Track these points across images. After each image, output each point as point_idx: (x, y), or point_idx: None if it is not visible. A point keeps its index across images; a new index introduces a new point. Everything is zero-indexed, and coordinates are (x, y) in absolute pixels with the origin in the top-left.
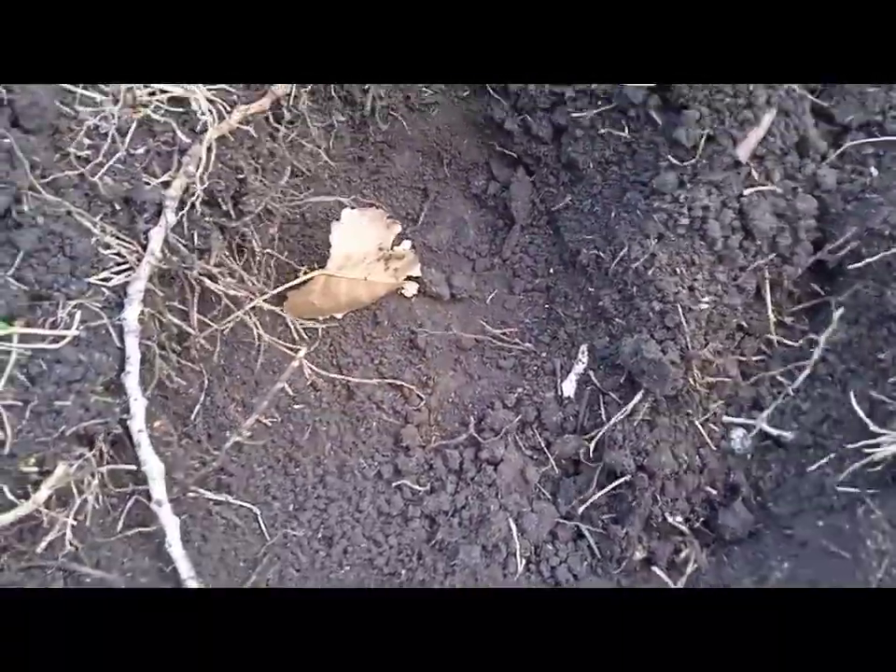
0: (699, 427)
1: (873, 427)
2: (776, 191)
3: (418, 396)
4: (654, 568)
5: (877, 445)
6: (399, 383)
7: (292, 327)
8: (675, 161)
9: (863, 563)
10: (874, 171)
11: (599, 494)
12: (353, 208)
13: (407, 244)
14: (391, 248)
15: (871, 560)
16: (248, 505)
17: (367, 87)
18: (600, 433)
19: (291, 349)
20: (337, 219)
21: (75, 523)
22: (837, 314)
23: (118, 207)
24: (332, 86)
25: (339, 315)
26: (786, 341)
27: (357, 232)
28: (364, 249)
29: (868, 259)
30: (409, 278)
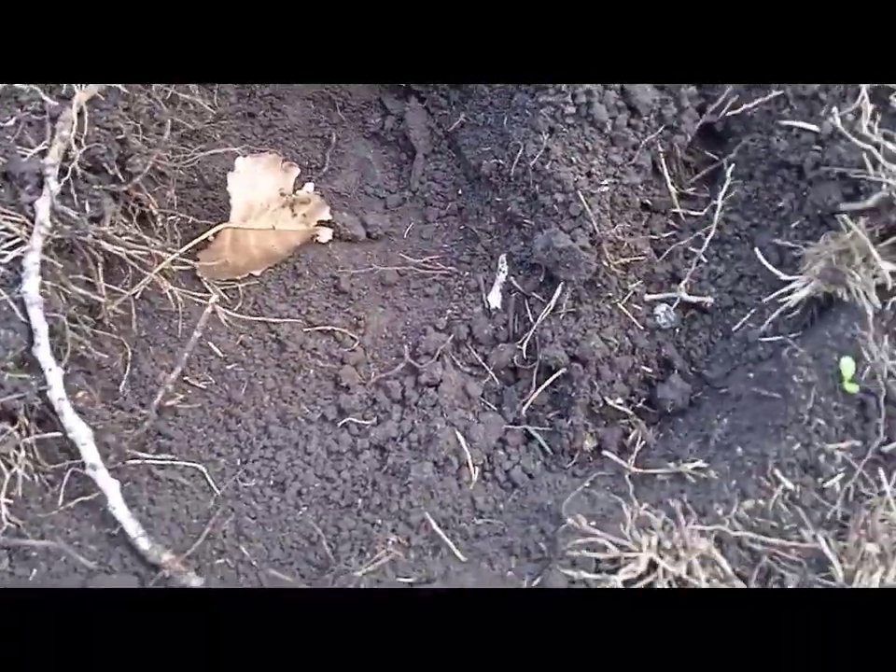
0: (622, 308)
1: (783, 276)
2: None
3: (351, 337)
4: (606, 453)
5: (791, 292)
6: (329, 328)
7: (210, 288)
8: None
9: (792, 398)
10: None
11: (538, 392)
12: (245, 157)
13: (310, 186)
14: (293, 192)
15: (799, 394)
16: (193, 464)
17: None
18: (529, 334)
19: (204, 299)
20: (232, 171)
21: (9, 501)
22: (729, 171)
23: None
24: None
25: (257, 272)
26: (691, 211)
27: (255, 180)
28: (265, 196)
29: (748, 108)
30: (320, 223)
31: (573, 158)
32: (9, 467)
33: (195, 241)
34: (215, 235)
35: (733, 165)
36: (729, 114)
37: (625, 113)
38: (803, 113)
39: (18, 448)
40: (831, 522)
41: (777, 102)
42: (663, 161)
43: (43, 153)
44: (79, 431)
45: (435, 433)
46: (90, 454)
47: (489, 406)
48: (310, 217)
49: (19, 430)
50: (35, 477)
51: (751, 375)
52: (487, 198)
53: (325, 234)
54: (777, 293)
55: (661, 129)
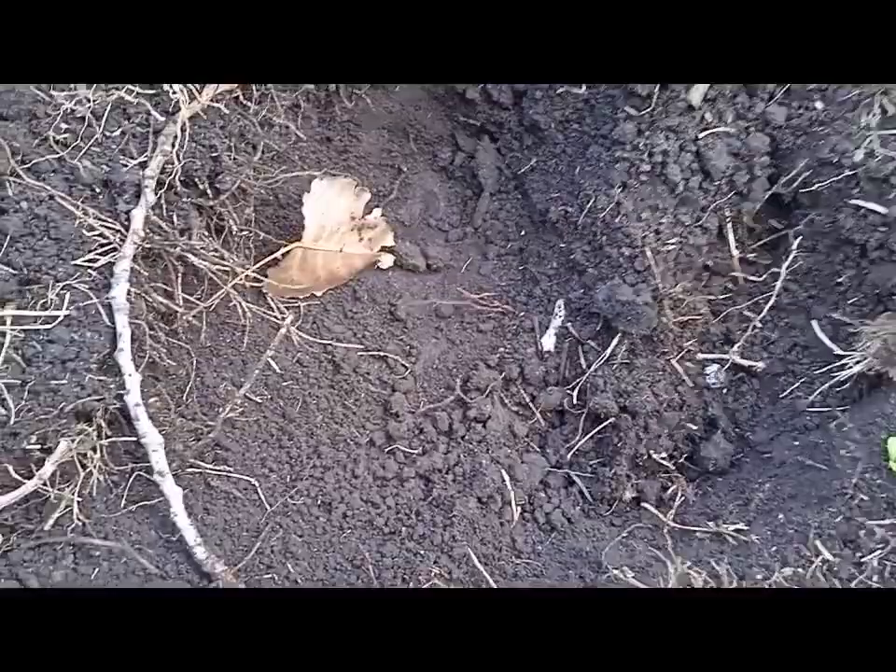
0: (675, 365)
1: (837, 350)
2: (729, 132)
3: (403, 365)
4: (645, 505)
5: (843, 367)
6: (383, 354)
7: (274, 305)
8: (632, 112)
9: (838, 471)
10: (818, 104)
11: (585, 439)
12: (321, 179)
13: (377, 212)
14: (362, 217)
15: (845, 467)
16: (247, 478)
17: None
18: (582, 381)
19: (277, 319)
20: (308, 192)
21: (80, 499)
22: (795, 243)
23: (98, 190)
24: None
25: (318, 293)
26: (750, 276)
27: (329, 202)
28: (336, 219)
29: (819, 185)
30: (383, 249)
31: (643, 214)
32: (84, 466)
33: (269, 258)
34: (285, 254)
35: (798, 237)
36: (800, 188)
37: (698, 176)
38: (872, 194)
39: (94, 449)
40: None
41: (848, 181)
42: (729, 225)
43: (143, 165)
44: (152, 438)
45: (481, 469)
46: (159, 460)
47: (533, 447)
48: (374, 243)
49: (95, 431)
50: (103, 478)
51: (797, 443)
52: (550, 242)
53: (386, 261)
54: (829, 366)
55: (731, 194)
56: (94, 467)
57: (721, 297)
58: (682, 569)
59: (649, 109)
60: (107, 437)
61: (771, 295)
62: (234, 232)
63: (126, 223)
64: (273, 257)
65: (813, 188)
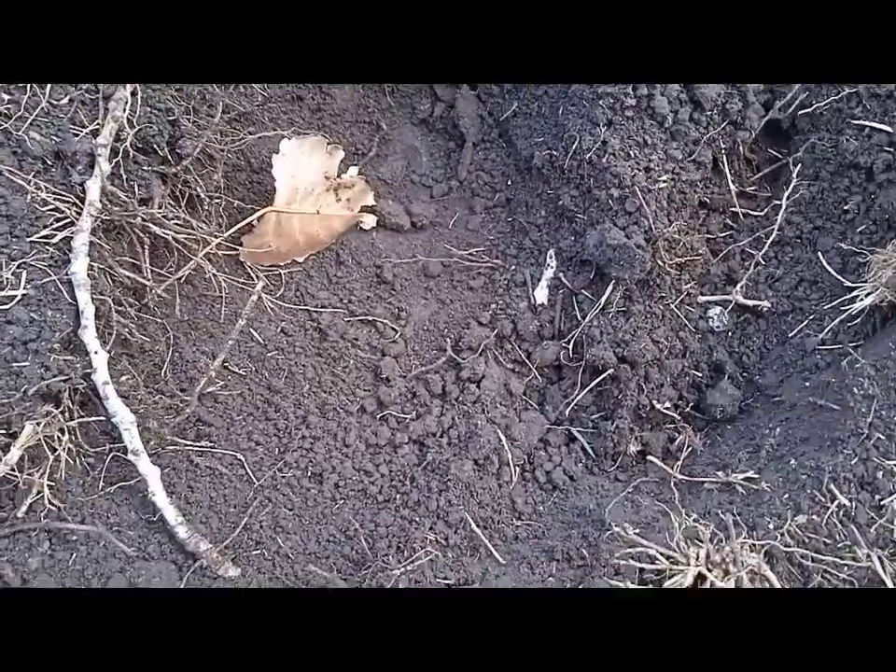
0: (675, 309)
1: (847, 283)
2: None
3: (392, 328)
4: (651, 458)
5: (853, 300)
6: (370, 318)
7: (253, 274)
8: None
9: (852, 410)
10: None
11: (584, 393)
12: (290, 139)
13: (354, 170)
14: (338, 176)
15: (860, 406)
16: (232, 452)
17: None
18: (577, 332)
19: (247, 285)
20: (277, 153)
21: (52, 483)
22: (796, 171)
23: (49, 162)
24: None
25: (300, 259)
26: (750, 211)
27: (300, 163)
28: (309, 180)
29: (818, 107)
30: (364, 209)
31: (631, 152)
32: (53, 449)
33: (240, 224)
34: (259, 219)
35: (799, 165)
36: (797, 111)
37: (688, 106)
38: (876, 112)
39: (62, 431)
40: (886, 541)
41: (849, 100)
42: (724, 157)
43: (95, 133)
44: (123, 416)
45: (476, 430)
46: (133, 439)
47: (531, 405)
48: (354, 203)
49: (63, 413)
50: (77, 460)
51: (807, 384)
52: (538, 190)
53: (369, 221)
54: (838, 300)
55: (724, 124)
56: (63, 449)
57: (721, 235)
58: (688, 523)
59: None
60: (78, 417)
61: (773, 229)
62: (203, 200)
63: (81, 195)
64: (244, 223)
65: (811, 110)
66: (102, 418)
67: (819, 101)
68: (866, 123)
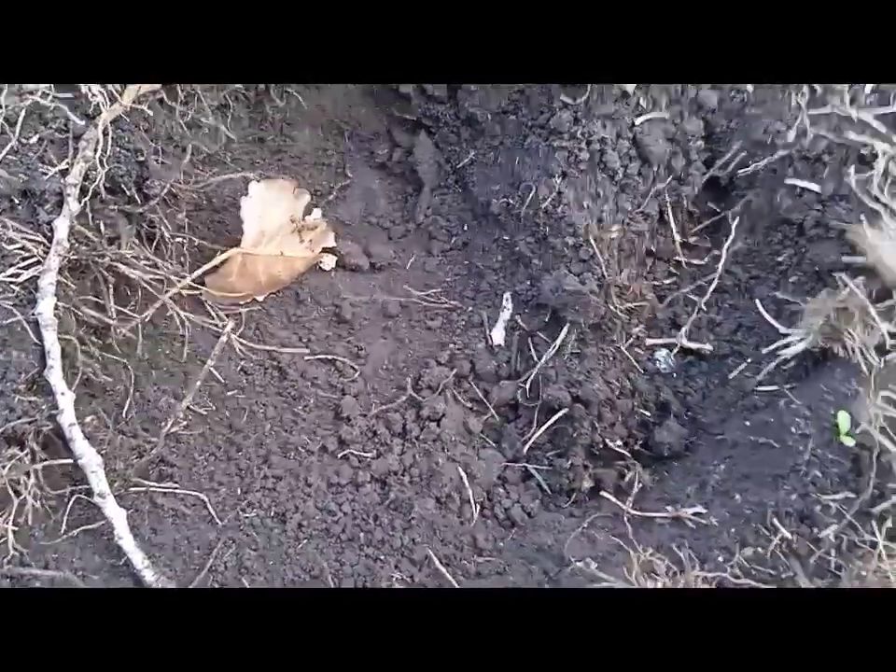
0: (625, 351)
1: (782, 329)
2: (664, 117)
3: (352, 367)
4: (603, 493)
5: (787, 345)
6: (330, 357)
7: (214, 313)
8: (567, 101)
9: (790, 448)
10: (749, 87)
11: (540, 431)
12: (259, 181)
13: (318, 212)
14: (303, 219)
15: (797, 445)
16: (195, 493)
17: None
18: (533, 373)
19: (218, 328)
20: (246, 195)
21: (16, 529)
22: (734, 224)
23: (16, 200)
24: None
25: (260, 298)
26: (693, 260)
27: (267, 205)
28: (276, 222)
29: (755, 167)
30: (325, 251)
31: (584, 202)
32: (17, 493)
33: (209, 265)
34: (224, 261)
35: (737, 219)
36: (736, 170)
37: (637, 162)
38: (805, 174)
39: (27, 474)
40: (824, 572)
41: (783, 161)
42: (670, 209)
43: (64, 172)
44: (90, 458)
45: (438, 469)
46: (100, 482)
47: (489, 443)
48: (315, 244)
49: (27, 455)
50: (39, 503)
51: (748, 423)
52: (494, 235)
53: (328, 262)
54: (775, 345)
55: (669, 179)
56: (29, 493)
57: (666, 282)
58: (645, 557)
59: (584, 98)
60: (42, 460)
61: (714, 278)
62: (167, 239)
63: (49, 234)
64: (211, 264)
65: (749, 169)
66: (68, 462)
67: (757, 160)
68: (798, 183)
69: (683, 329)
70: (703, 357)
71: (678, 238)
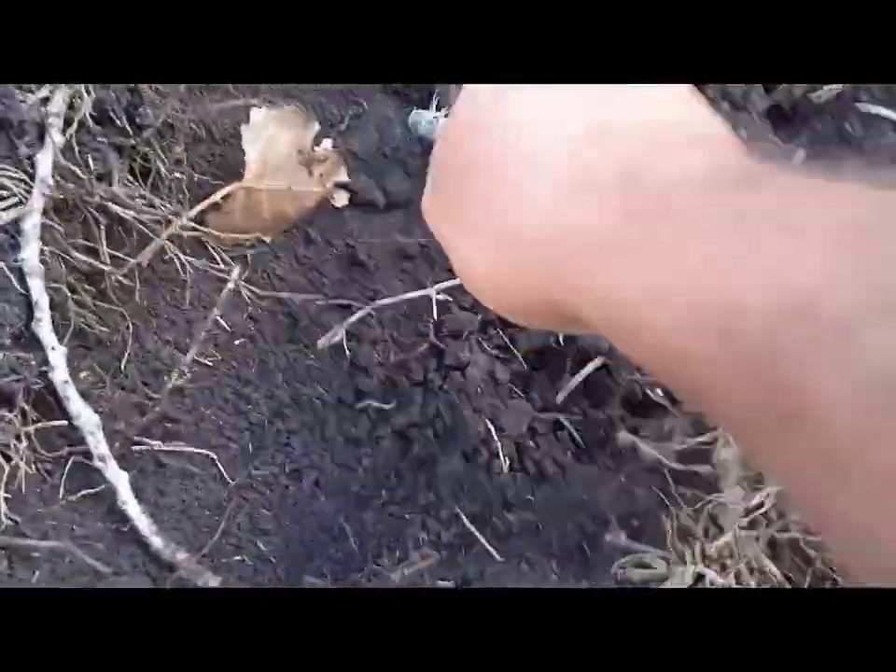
0: None
1: None
2: None
3: (368, 313)
4: (642, 446)
5: None
6: (344, 302)
7: (217, 255)
8: None
9: None
10: None
11: (574, 381)
12: (261, 108)
13: (327, 142)
14: (311, 150)
15: None
16: (203, 451)
17: None
18: None
19: (223, 272)
20: (247, 124)
21: (8, 496)
22: (800, 157)
23: None
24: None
25: (267, 238)
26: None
27: (271, 135)
28: (282, 154)
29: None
30: (337, 185)
31: None
32: (8, 458)
33: (207, 202)
34: (226, 196)
35: (803, 151)
36: (802, 96)
37: None
38: (881, 99)
39: (18, 437)
40: None
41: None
42: None
43: (45, 100)
44: (87, 418)
45: (463, 421)
46: (98, 444)
47: (517, 392)
48: (326, 178)
49: (17, 416)
50: (33, 467)
51: None
52: None
53: (341, 198)
54: None
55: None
56: (21, 458)
57: None
58: (681, 518)
59: None
60: (34, 422)
61: None
62: (163, 175)
63: (31, 170)
64: (211, 200)
65: (817, 94)
66: (63, 423)
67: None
68: (872, 109)
69: None
70: None
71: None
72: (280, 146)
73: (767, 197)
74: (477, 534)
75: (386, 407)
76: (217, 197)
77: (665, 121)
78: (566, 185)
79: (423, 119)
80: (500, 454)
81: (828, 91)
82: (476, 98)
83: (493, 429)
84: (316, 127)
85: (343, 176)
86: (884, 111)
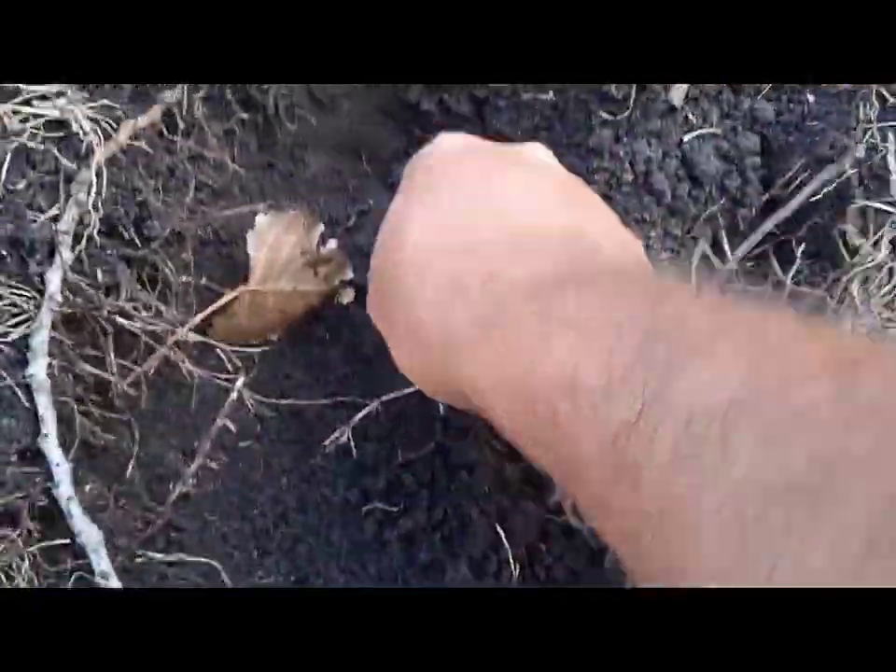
0: None
1: None
2: (716, 133)
3: (374, 410)
4: None
5: None
6: (350, 399)
7: (224, 357)
8: (607, 116)
9: None
10: (810, 97)
11: None
12: (266, 214)
13: (333, 243)
14: (316, 251)
15: None
16: (206, 560)
17: (266, 85)
18: None
19: (227, 380)
20: (252, 229)
21: None
22: (799, 250)
23: (4, 252)
24: (228, 88)
25: (275, 337)
26: (750, 287)
27: (276, 239)
28: (286, 256)
29: (819, 186)
30: (342, 283)
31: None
32: (11, 579)
33: (211, 308)
34: (231, 301)
35: (802, 244)
36: (798, 191)
37: (686, 182)
38: (878, 193)
39: (21, 557)
40: None
41: (850, 179)
42: (724, 234)
43: (55, 218)
44: (89, 535)
45: (471, 524)
46: (101, 561)
47: (527, 491)
48: (331, 277)
49: (21, 535)
50: (36, 582)
51: None
52: None
53: (347, 295)
54: None
55: (722, 201)
56: (24, 579)
57: None
58: None
59: (626, 114)
60: (39, 541)
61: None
62: (171, 282)
63: (41, 287)
64: (216, 306)
65: (811, 188)
66: (66, 541)
67: (821, 179)
68: (870, 204)
69: None
70: None
71: (734, 265)
72: (285, 249)
73: (567, 302)
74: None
75: (393, 509)
76: (222, 302)
77: (537, 228)
78: (445, 289)
79: None
80: (510, 561)
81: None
82: (389, 219)
83: (502, 534)
84: (320, 228)
85: (348, 274)
86: (883, 206)
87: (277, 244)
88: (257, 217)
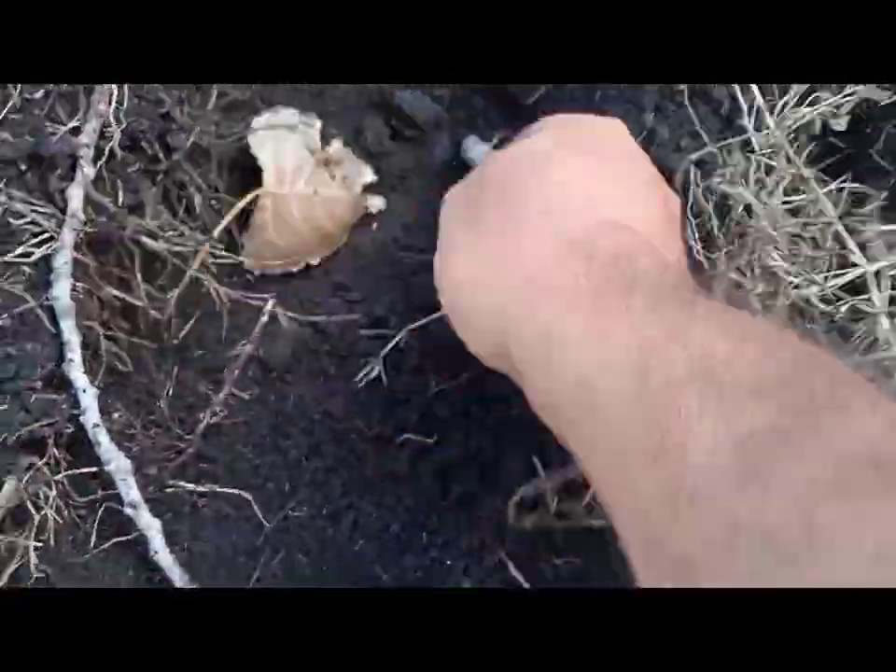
0: None
1: None
2: None
3: (408, 341)
4: None
5: None
6: (386, 330)
7: (254, 281)
8: None
9: None
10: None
11: None
12: (261, 115)
13: (337, 143)
14: (322, 150)
15: None
16: (237, 491)
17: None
18: None
19: (259, 299)
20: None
21: (38, 544)
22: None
23: (23, 167)
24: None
25: (314, 262)
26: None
27: (277, 138)
28: (293, 156)
29: None
30: (366, 189)
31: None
32: (38, 508)
33: (229, 217)
34: (254, 210)
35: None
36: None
37: None
38: None
39: (48, 485)
40: None
41: None
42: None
43: (76, 131)
44: (118, 464)
45: (507, 457)
46: (130, 490)
47: None
48: (351, 181)
49: (48, 463)
50: (65, 512)
51: None
52: None
53: (376, 203)
54: None
55: None
56: (51, 506)
57: None
58: None
59: None
60: (66, 469)
61: None
62: (198, 203)
63: (62, 205)
64: (233, 211)
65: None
66: (93, 469)
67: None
68: None
69: None
70: None
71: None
72: (289, 149)
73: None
74: (523, 582)
75: (428, 441)
76: (241, 204)
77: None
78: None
79: (478, 147)
80: (548, 493)
81: None
82: (495, 161)
83: (539, 467)
84: (318, 124)
85: (368, 176)
86: None
87: (279, 144)
88: (252, 119)
